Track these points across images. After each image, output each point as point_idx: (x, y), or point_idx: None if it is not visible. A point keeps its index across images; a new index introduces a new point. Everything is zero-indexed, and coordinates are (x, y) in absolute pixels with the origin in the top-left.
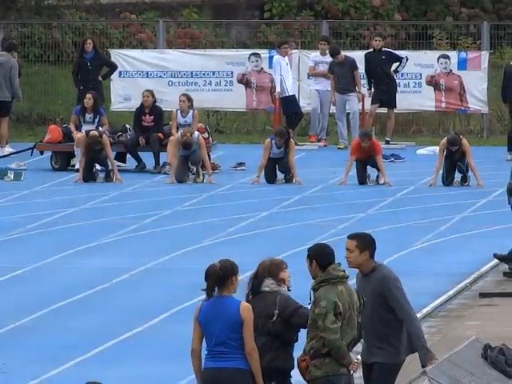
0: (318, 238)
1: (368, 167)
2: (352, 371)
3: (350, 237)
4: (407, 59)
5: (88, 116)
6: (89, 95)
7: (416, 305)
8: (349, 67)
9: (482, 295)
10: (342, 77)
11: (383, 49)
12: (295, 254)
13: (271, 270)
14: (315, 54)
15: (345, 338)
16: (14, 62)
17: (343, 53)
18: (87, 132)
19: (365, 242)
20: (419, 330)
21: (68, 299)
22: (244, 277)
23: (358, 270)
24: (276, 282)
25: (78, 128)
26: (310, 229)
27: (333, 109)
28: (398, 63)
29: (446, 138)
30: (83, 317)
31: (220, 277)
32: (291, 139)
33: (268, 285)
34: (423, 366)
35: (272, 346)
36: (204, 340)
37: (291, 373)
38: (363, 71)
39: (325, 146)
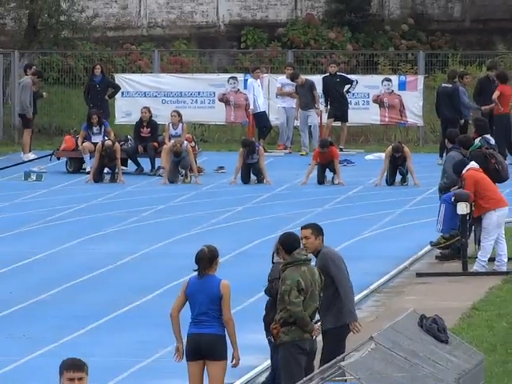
0: (284, 228)
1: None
2: (314, 336)
3: (305, 227)
4: (357, 82)
5: (95, 128)
6: (94, 116)
7: (364, 282)
8: (308, 88)
9: (419, 275)
10: (303, 96)
11: (338, 73)
12: (266, 241)
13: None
14: (282, 77)
15: (308, 310)
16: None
17: (304, 77)
18: (102, 142)
19: (318, 229)
20: (349, 299)
21: (80, 278)
22: (224, 259)
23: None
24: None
25: (87, 139)
26: (278, 220)
27: (297, 122)
28: (349, 85)
29: (391, 146)
30: (92, 292)
31: (209, 259)
32: (261, 147)
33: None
34: (348, 325)
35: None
36: (190, 309)
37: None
38: (321, 92)
39: (290, 152)
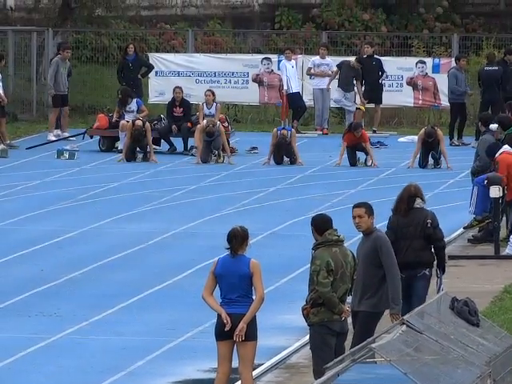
0: (316, 210)
1: (357, 152)
2: (343, 318)
3: (358, 205)
4: (386, 75)
5: (127, 106)
6: (121, 91)
7: None
8: (355, 73)
9: (451, 257)
10: (345, 77)
11: (375, 56)
12: (298, 222)
13: (419, 192)
14: (316, 58)
15: (338, 291)
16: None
17: (341, 58)
18: (133, 121)
19: (370, 208)
20: (395, 291)
21: (111, 257)
22: (255, 240)
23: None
24: (423, 200)
25: (122, 116)
26: (310, 202)
27: (333, 104)
28: (381, 73)
29: (423, 129)
30: (123, 271)
31: (242, 237)
32: (293, 130)
33: (418, 203)
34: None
35: (426, 246)
36: (219, 289)
37: None
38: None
39: (326, 134)
